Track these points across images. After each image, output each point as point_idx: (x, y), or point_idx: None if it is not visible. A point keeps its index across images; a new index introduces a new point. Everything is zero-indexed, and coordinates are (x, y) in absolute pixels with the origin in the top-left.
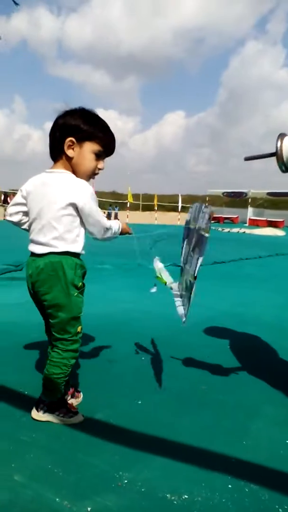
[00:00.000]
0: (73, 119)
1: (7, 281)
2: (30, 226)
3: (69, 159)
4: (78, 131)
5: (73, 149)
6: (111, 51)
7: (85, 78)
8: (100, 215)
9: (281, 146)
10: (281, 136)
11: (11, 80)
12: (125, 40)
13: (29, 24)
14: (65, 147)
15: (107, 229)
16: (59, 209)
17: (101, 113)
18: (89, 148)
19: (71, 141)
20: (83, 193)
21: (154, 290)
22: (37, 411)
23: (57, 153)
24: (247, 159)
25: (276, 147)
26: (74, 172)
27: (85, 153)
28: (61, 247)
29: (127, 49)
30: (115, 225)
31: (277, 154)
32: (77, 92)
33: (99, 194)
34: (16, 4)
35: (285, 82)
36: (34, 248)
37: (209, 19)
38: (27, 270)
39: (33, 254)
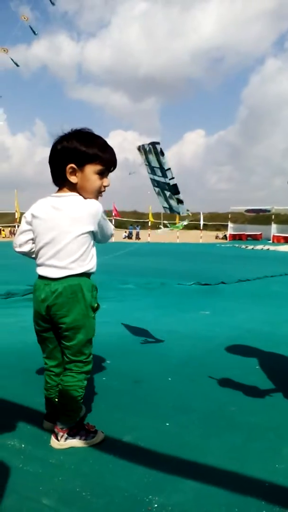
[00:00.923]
0: (70, 144)
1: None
2: (39, 250)
3: (74, 184)
4: (77, 155)
5: (75, 174)
6: (130, 73)
7: (104, 100)
8: (110, 227)
9: None
10: None
11: (32, 104)
12: (143, 62)
13: (49, 50)
14: (68, 174)
15: (112, 234)
16: (76, 236)
17: (121, 134)
18: (91, 169)
19: (71, 167)
20: (96, 216)
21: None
22: (58, 440)
23: (60, 180)
24: None
25: None
26: (81, 194)
27: (88, 175)
28: (79, 269)
29: (146, 71)
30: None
31: None
32: (97, 114)
33: (120, 214)
34: (35, 33)
35: None
36: (48, 272)
37: (227, 38)
38: (38, 295)
39: (44, 278)
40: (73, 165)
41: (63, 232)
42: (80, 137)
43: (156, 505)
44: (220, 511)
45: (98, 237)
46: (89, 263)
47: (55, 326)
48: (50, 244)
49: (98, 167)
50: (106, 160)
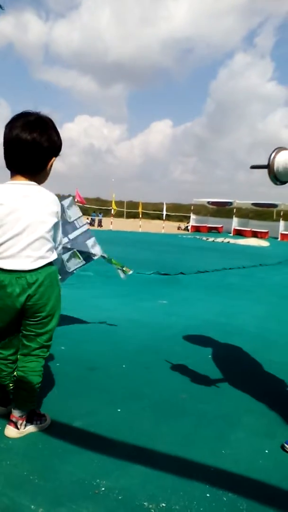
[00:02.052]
0: (56, 137)
1: None
2: (6, 242)
3: (38, 173)
4: (57, 149)
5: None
6: (98, 57)
7: (71, 83)
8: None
9: (273, 159)
10: (277, 149)
11: None
12: (112, 47)
13: (16, 28)
14: (49, 166)
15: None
16: (51, 225)
17: (87, 119)
18: (54, 160)
19: (53, 159)
20: (59, 208)
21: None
22: (18, 428)
23: (35, 168)
24: (252, 167)
25: (269, 160)
26: (37, 181)
27: (51, 166)
28: (52, 257)
29: (115, 57)
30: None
31: (268, 167)
32: (63, 97)
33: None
34: (2, 8)
35: (272, 95)
36: (21, 264)
37: (198, 30)
38: (10, 291)
39: (14, 271)
40: (55, 158)
41: (37, 222)
42: (55, 129)
43: (103, 489)
44: (165, 494)
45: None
46: (55, 250)
47: (26, 316)
48: (21, 234)
49: (55, 158)
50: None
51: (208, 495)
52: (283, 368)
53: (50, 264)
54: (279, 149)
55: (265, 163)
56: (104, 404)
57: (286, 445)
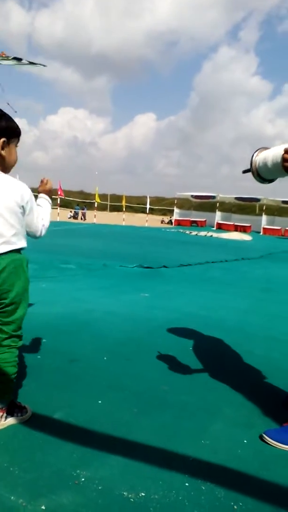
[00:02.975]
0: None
1: None
2: None
3: (1, 159)
4: (5, 131)
5: (3, 148)
6: (82, 49)
7: (55, 75)
8: (39, 214)
9: (254, 160)
10: (258, 150)
11: None
12: (96, 39)
13: None
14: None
15: (43, 225)
16: (15, 209)
17: (71, 111)
18: (14, 143)
19: (3, 141)
20: (29, 194)
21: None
22: None
23: None
24: (244, 172)
25: (250, 162)
26: (3, 169)
27: (12, 149)
28: (19, 243)
29: (99, 48)
30: (47, 220)
31: (251, 169)
32: (47, 89)
33: (66, 193)
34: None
35: (256, 89)
36: None
37: (183, 23)
38: None
39: None
40: (4, 139)
41: (3, 203)
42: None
43: (83, 479)
44: (145, 483)
45: (32, 221)
46: (25, 240)
47: None
48: None
49: (16, 140)
50: (19, 132)
51: (187, 484)
52: (263, 361)
53: (17, 251)
54: (260, 150)
55: (248, 156)
56: (85, 395)
57: (264, 435)
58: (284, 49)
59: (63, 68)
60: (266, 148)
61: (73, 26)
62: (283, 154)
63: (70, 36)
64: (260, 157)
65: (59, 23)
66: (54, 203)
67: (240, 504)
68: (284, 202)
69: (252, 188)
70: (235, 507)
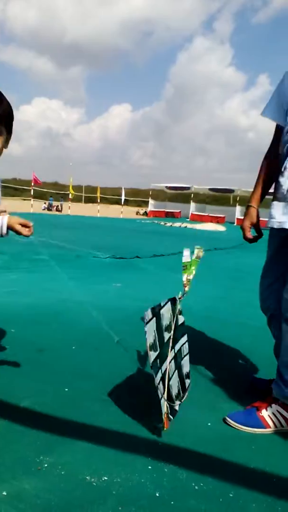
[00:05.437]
0: None
1: None
2: None
3: None
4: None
5: None
6: (55, 38)
7: (28, 64)
8: None
9: None
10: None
11: None
12: (70, 28)
13: None
14: None
15: None
16: None
17: (45, 102)
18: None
19: None
20: None
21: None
22: None
23: None
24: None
25: None
26: None
27: None
28: None
29: (73, 37)
30: None
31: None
32: (20, 78)
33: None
34: None
35: (231, 81)
36: None
37: (158, 12)
38: None
39: None
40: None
41: None
42: None
43: (46, 465)
44: (108, 467)
45: None
46: None
47: None
48: None
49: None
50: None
51: (149, 467)
52: (233, 345)
53: None
54: None
55: (222, 148)
56: (52, 384)
57: (227, 417)
58: (258, 41)
59: (37, 57)
60: None
61: (47, 14)
62: None
63: (43, 24)
64: None
65: (32, 11)
66: (28, 195)
67: (201, 484)
68: None
69: (225, 180)
70: (196, 487)
